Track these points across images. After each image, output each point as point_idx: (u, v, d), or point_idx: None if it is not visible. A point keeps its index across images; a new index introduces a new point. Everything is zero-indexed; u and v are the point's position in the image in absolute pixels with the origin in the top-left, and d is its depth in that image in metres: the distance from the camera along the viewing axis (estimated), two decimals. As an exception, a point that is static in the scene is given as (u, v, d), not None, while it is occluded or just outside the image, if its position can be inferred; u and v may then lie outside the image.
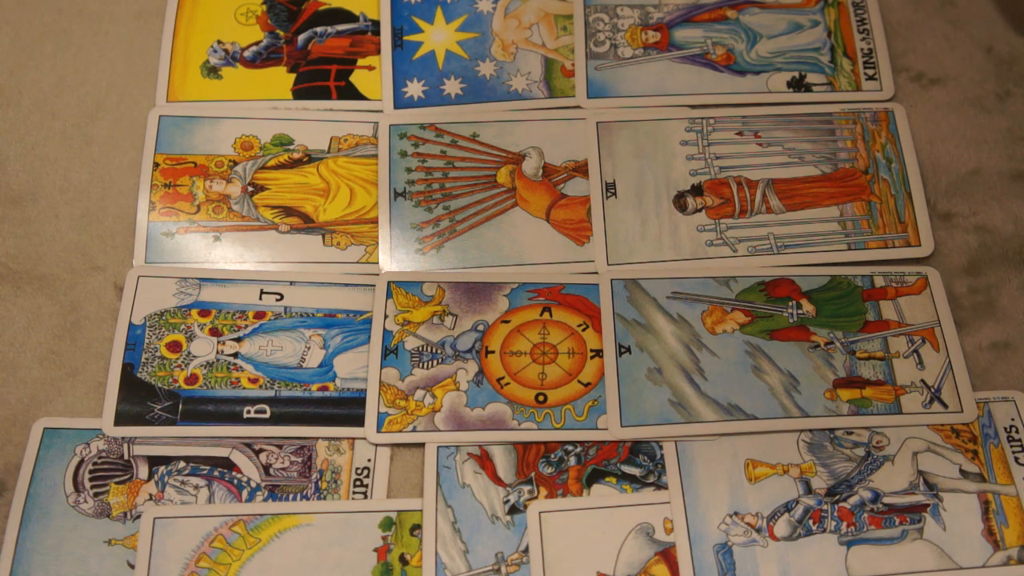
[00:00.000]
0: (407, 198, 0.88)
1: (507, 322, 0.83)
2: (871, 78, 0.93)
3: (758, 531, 0.75)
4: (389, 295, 0.83)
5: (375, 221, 0.87)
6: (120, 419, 0.79)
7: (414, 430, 0.78)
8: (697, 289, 0.84)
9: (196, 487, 0.77)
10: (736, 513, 0.76)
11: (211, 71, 0.92)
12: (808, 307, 0.83)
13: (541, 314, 0.83)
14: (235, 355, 0.81)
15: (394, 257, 0.85)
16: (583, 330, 0.83)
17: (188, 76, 0.92)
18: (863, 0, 0.96)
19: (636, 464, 0.78)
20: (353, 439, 0.79)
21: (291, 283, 0.84)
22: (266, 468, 0.78)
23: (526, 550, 0.75)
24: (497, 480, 0.77)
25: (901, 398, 0.80)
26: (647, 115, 0.91)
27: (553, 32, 0.95)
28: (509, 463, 0.78)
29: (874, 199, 0.88)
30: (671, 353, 0.81)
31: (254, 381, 0.80)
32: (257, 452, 0.78)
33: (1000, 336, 0.84)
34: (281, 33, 0.94)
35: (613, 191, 0.88)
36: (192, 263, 0.85)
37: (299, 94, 0.92)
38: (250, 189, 0.88)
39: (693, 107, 0.92)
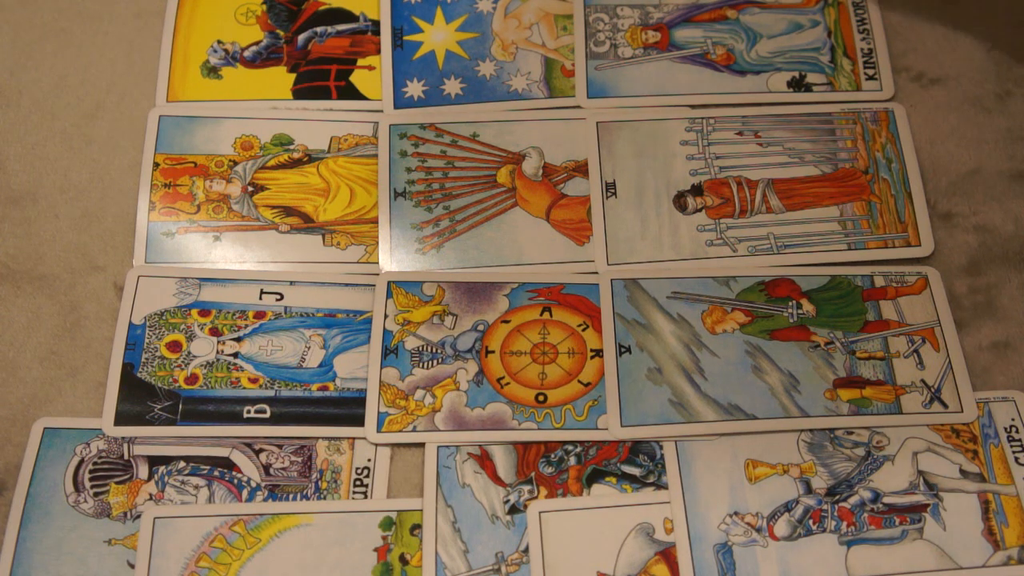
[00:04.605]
0: (407, 198, 0.88)
1: (507, 322, 0.83)
2: (871, 78, 0.93)
3: (758, 531, 0.75)
4: (389, 295, 0.83)
5: (375, 221, 0.87)
6: (120, 419, 0.79)
7: (414, 430, 0.78)
8: (697, 289, 0.84)
9: (196, 487, 0.77)
10: (736, 513, 0.76)
11: (211, 71, 0.92)
12: (808, 307, 0.83)
13: (541, 314, 0.83)
14: (235, 355, 0.81)
15: (394, 257, 0.85)
16: (583, 330, 0.83)
17: (188, 76, 0.92)
18: (863, 0, 0.96)
19: (636, 464, 0.78)
20: (353, 439, 0.79)
21: (291, 283, 0.84)
22: (266, 468, 0.78)
23: (526, 550, 0.75)
24: (497, 480, 0.77)
25: (901, 398, 0.80)
26: (647, 115, 0.91)
27: (553, 32, 0.95)
28: (509, 463, 0.78)
29: (874, 199, 0.88)
30: (671, 353, 0.81)
31: (254, 381, 0.80)
32: (257, 452, 0.78)
33: (1000, 336, 0.84)
34: (281, 33, 0.94)
35: (613, 191, 0.88)
36: (192, 263, 0.85)
37: (299, 94, 0.92)
38: (250, 189, 0.88)
39: (693, 107, 0.92)
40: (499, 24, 0.95)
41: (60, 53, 0.93)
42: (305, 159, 0.89)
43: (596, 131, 0.90)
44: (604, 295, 0.84)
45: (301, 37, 0.94)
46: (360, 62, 0.93)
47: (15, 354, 0.82)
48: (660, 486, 0.77)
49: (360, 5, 0.96)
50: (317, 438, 0.79)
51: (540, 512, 0.76)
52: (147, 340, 0.81)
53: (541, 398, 0.80)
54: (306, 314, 0.83)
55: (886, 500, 0.76)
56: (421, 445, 0.79)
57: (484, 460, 0.78)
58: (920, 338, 0.82)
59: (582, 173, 0.89)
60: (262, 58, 0.93)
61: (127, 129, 0.90)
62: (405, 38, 0.94)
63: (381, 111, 0.91)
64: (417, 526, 0.76)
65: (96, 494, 0.76)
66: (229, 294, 0.84)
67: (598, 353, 0.82)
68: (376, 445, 0.79)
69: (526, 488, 0.77)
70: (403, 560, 0.75)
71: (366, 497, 0.77)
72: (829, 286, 0.84)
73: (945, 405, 0.80)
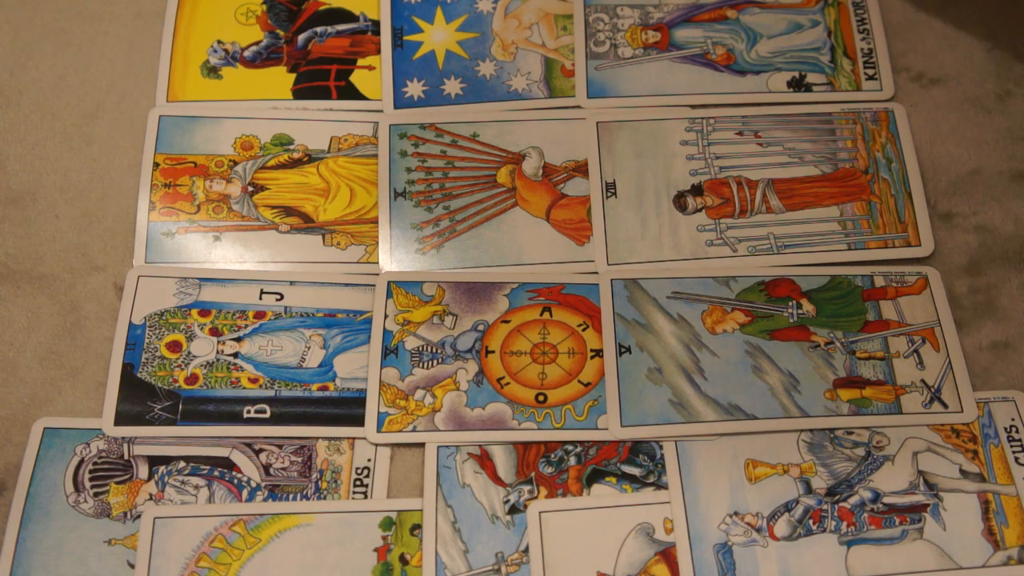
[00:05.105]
0: (407, 198, 0.88)
1: (507, 322, 0.83)
2: (871, 78, 0.93)
3: (758, 531, 0.75)
4: (389, 295, 0.83)
5: (375, 221, 0.87)
6: (120, 419, 0.79)
7: (414, 430, 0.78)
8: (697, 289, 0.84)
9: (196, 487, 0.77)
10: (736, 513, 0.76)
11: (211, 71, 0.92)
12: (808, 307, 0.83)
13: (541, 314, 0.83)
14: (235, 355, 0.81)
15: (394, 257, 0.85)
16: (583, 330, 0.83)
17: (188, 76, 0.92)
18: (863, 0, 0.96)
19: (636, 464, 0.78)
20: (353, 439, 0.79)
21: (291, 283, 0.84)
22: (266, 468, 0.78)
23: (526, 550, 0.75)
24: (497, 480, 0.77)
25: (901, 398, 0.80)
26: (647, 115, 0.91)
27: (553, 32, 0.95)
28: (509, 463, 0.78)
29: (874, 199, 0.88)
30: (671, 353, 0.81)
31: (254, 381, 0.80)
32: (257, 452, 0.78)
33: (1000, 336, 0.84)
34: (281, 33, 0.94)
35: (613, 191, 0.88)
36: (192, 263, 0.85)
37: (299, 94, 0.92)
38: (250, 189, 0.88)
39: (693, 107, 0.92)
40: (499, 24, 0.95)
41: (60, 53, 0.93)
42: (305, 159, 0.89)
43: (596, 131, 0.90)
44: (604, 295, 0.84)
45: (301, 37, 0.94)
46: (360, 62, 0.93)
47: (15, 354, 0.82)
48: (660, 486, 0.77)
49: (360, 5, 0.96)
50: (317, 438, 0.79)
51: (540, 512, 0.76)
52: (147, 340, 0.81)
53: (541, 398, 0.80)
54: (306, 314, 0.83)
55: (886, 500, 0.76)
56: (421, 445, 0.79)
57: (484, 460, 0.78)
58: (920, 338, 0.82)
59: (582, 173, 0.89)
60: (262, 58, 0.93)
61: (127, 129, 0.90)
62: (405, 38, 0.94)
63: (381, 111, 0.91)
64: (417, 526, 0.76)
65: (96, 494, 0.76)
66: (229, 294, 0.84)
67: (598, 353, 0.82)
68: (376, 445, 0.79)
69: (526, 488, 0.77)
70: (403, 560, 0.75)
71: (366, 497, 0.77)
72: (829, 286, 0.84)
73: (945, 405, 0.80)
